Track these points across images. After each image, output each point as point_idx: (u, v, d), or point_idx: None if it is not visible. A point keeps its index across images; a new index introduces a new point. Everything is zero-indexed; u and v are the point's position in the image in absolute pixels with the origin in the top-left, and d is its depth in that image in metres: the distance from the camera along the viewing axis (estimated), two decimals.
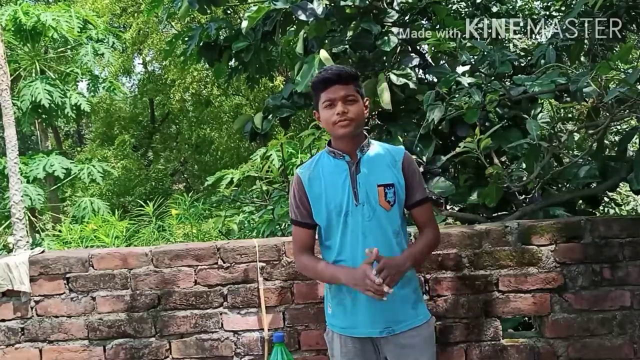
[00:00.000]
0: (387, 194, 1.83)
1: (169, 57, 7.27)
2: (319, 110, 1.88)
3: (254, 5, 4.18)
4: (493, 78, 3.39)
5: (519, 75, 3.49)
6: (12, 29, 7.54)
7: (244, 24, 3.90)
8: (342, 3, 3.76)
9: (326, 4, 3.77)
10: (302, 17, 3.74)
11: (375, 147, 1.91)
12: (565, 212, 3.16)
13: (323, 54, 3.60)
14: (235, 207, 4.44)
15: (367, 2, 3.73)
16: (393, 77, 3.66)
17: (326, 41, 3.93)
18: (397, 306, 1.83)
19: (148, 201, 6.45)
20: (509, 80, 3.58)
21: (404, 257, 1.82)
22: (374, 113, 3.95)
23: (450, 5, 4.36)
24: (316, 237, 1.95)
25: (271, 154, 4.09)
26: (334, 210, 1.84)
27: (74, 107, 8.12)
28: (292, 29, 4.28)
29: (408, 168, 1.89)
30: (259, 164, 3.96)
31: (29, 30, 7.68)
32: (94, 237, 5.46)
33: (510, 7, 5.02)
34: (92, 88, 8.73)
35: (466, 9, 4.71)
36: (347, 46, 3.87)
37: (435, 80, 3.83)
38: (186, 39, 4.88)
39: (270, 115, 4.20)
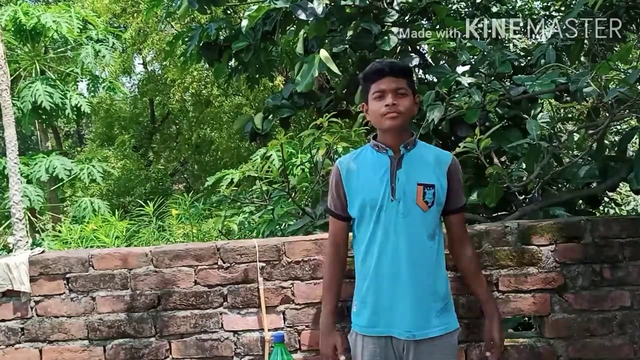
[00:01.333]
0: (425, 193, 1.80)
1: (170, 57, 7.28)
2: (367, 101, 1.85)
3: (253, 5, 4.18)
4: (493, 78, 3.39)
5: (519, 75, 3.49)
6: (12, 29, 7.54)
7: (244, 22, 3.90)
8: (343, 3, 3.76)
9: (326, 4, 3.77)
10: (302, 16, 3.74)
11: (422, 147, 1.89)
12: (565, 212, 3.16)
13: (323, 53, 3.60)
14: (235, 207, 4.44)
15: (367, 1, 3.73)
16: None
17: (326, 41, 3.93)
18: (421, 312, 1.81)
19: (148, 201, 6.46)
20: (508, 80, 3.58)
21: (493, 309, 1.98)
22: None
23: (450, 5, 4.36)
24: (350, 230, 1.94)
25: (271, 154, 4.09)
26: (369, 203, 1.81)
27: (75, 109, 8.13)
28: (292, 28, 4.29)
29: (454, 173, 1.87)
30: (259, 164, 3.96)
31: (29, 30, 7.68)
32: (94, 237, 5.46)
33: (510, 7, 5.02)
34: (92, 89, 8.74)
35: (466, 9, 4.71)
36: (347, 46, 3.87)
37: (435, 80, 3.83)
38: (186, 39, 4.88)
39: (271, 116, 4.20)
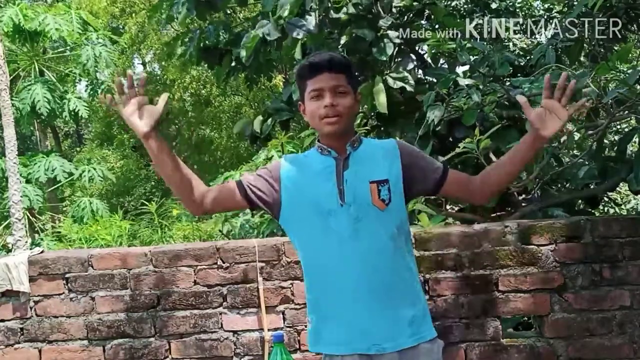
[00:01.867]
0: (380, 191, 1.59)
1: (170, 58, 7.29)
2: (304, 101, 1.65)
3: (254, 11, 4.19)
4: (492, 79, 3.39)
5: (519, 75, 3.50)
6: (11, 30, 7.53)
7: (242, 53, 3.92)
8: (334, 15, 3.76)
9: (319, 18, 3.78)
10: (297, 35, 3.75)
11: (367, 143, 1.69)
12: (564, 212, 3.16)
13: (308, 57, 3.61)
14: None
15: (360, 8, 3.73)
16: (390, 81, 3.67)
17: (322, 46, 3.94)
18: (389, 322, 1.58)
19: (148, 201, 6.46)
20: (508, 81, 3.59)
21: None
22: (372, 114, 3.96)
23: (449, 2, 4.36)
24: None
25: (272, 155, 4.09)
26: (314, 210, 1.60)
27: (73, 112, 8.13)
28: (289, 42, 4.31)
29: (407, 153, 1.66)
30: (260, 165, 3.96)
31: (28, 30, 7.67)
32: (96, 236, 5.45)
33: (510, 3, 5.02)
34: (92, 92, 8.75)
35: (465, 6, 4.71)
36: (342, 52, 3.89)
37: (435, 81, 3.84)
38: (185, 40, 4.90)
39: (270, 119, 4.21)
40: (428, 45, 3.64)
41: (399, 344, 1.58)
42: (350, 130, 1.67)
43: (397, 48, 3.91)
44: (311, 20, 3.70)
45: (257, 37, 3.73)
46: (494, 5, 4.62)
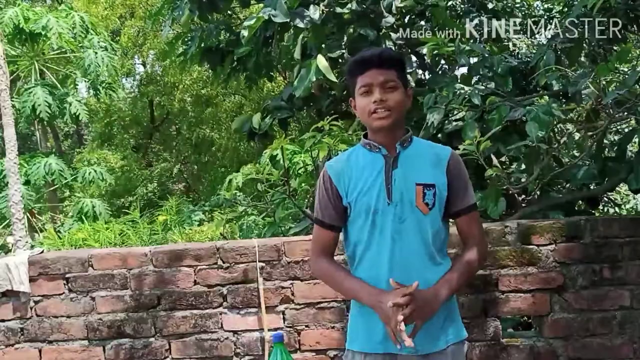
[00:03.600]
0: (425, 194, 1.60)
1: (170, 58, 7.27)
2: (355, 97, 1.65)
3: (255, 9, 4.20)
4: (491, 93, 3.39)
5: (518, 75, 3.50)
6: (12, 30, 7.52)
7: (243, 32, 3.90)
8: (339, 10, 3.77)
9: (323, 10, 3.79)
10: (300, 24, 3.75)
11: (419, 143, 1.69)
12: (563, 215, 3.16)
13: (321, 61, 3.62)
14: (237, 211, 4.44)
15: (364, 6, 3.74)
16: None
17: (324, 45, 3.94)
18: (423, 325, 1.58)
19: (149, 201, 6.44)
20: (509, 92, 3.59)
21: (438, 287, 1.57)
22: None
23: (446, 2, 4.36)
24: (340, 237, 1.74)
25: (277, 154, 4.09)
26: (363, 207, 1.62)
27: (73, 116, 8.14)
28: (291, 34, 4.31)
29: (454, 169, 1.65)
30: (262, 166, 3.96)
31: (29, 31, 7.66)
32: (83, 245, 5.39)
33: (508, 4, 5.01)
34: (95, 93, 8.75)
35: (462, 5, 4.71)
36: (344, 51, 3.89)
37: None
38: (186, 39, 4.91)
39: (269, 116, 4.22)
40: (428, 47, 3.64)
41: (430, 348, 1.62)
42: (401, 127, 1.67)
43: (397, 48, 3.92)
44: (315, 14, 3.69)
45: (262, 19, 3.71)
46: (490, 6, 4.62)
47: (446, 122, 3.21)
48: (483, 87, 3.34)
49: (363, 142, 1.69)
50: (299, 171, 3.91)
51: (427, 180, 1.62)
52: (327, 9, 3.83)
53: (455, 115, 3.18)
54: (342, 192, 1.66)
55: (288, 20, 3.72)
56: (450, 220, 1.73)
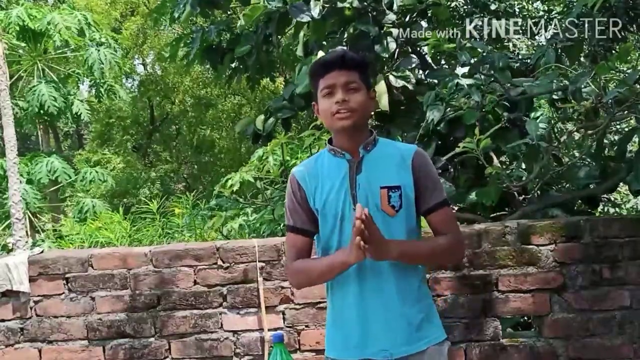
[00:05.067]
0: (391, 197, 1.58)
1: (173, 60, 7.26)
2: (317, 100, 1.64)
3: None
4: (492, 80, 3.39)
5: (519, 77, 3.49)
6: (16, 30, 7.54)
7: (241, 21, 3.89)
8: (340, 5, 3.76)
9: (324, 5, 3.78)
10: (300, 18, 3.74)
11: (383, 145, 1.66)
12: (563, 213, 3.16)
13: (321, 54, 3.61)
14: (236, 208, 4.44)
15: (365, 3, 3.74)
16: (392, 79, 3.67)
17: (325, 43, 3.94)
18: (397, 326, 1.59)
19: (152, 200, 6.45)
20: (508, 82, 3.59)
21: (397, 241, 1.56)
22: (372, 113, 3.95)
23: (448, 3, 4.36)
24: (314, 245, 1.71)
25: (268, 156, 4.10)
26: (330, 213, 1.61)
27: (75, 115, 8.16)
28: (291, 30, 4.31)
29: (419, 167, 1.62)
30: (259, 165, 3.97)
31: (32, 31, 7.68)
32: (97, 234, 5.44)
33: (509, 5, 5.02)
34: (97, 93, 8.78)
35: (464, 7, 4.71)
36: (345, 48, 3.88)
37: (436, 82, 3.84)
38: (188, 41, 4.91)
39: (272, 117, 4.21)
40: (428, 44, 3.64)
41: (407, 350, 1.59)
42: (364, 130, 1.65)
43: (399, 46, 3.91)
44: (315, 9, 3.68)
45: (260, 8, 3.70)
46: (493, 7, 4.62)
47: (446, 117, 3.21)
48: (483, 78, 3.33)
49: (328, 148, 1.67)
50: None
51: (392, 182, 1.60)
52: (327, 5, 3.82)
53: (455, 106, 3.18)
54: (309, 196, 1.65)
55: (281, 6, 3.71)
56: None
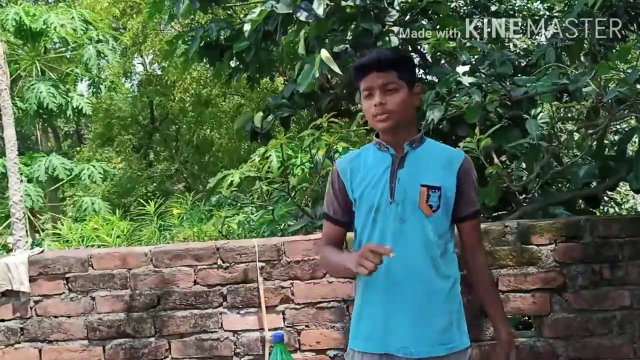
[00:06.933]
0: (430, 196, 1.59)
1: (170, 57, 7.26)
2: (362, 101, 1.69)
3: (255, 5, 4.18)
4: (493, 78, 3.39)
5: (520, 75, 3.49)
6: (13, 29, 7.54)
7: (246, 26, 3.88)
8: (343, 3, 3.76)
9: (327, 4, 3.77)
10: (303, 17, 3.73)
11: (431, 145, 1.70)
12: (565, 211, 3.16)
13: (324, 53, 3.60)
14: (236, 208, 4.44)
15: (368, 1, 3.73)
16: None
17: (327, 41, 3.93)
18: (420, 327, 1.60)
19: (149, 201, 6.46)
20: (509, 80, 3.59)
21: (502, 324, 1.76)
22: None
23: (449, 3, 4.36)
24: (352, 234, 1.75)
25: (270, 155, 4.09)
26: (366, 204, 1.64)
27: (76, 110, 8.14)
28: (293, 29, 4.29)
29: (465, 174, 1.65)
30: (258, 164, 3.96)
31: (30, 30, 7.68)
32: (94, 237, 5.45)
33: (510, 6, 5.03)
34: (95, 90, 8.76)
35: (465, 7, 4.71)
36: (347, 46, 3.87)
37: (436, 80, 3.84)
38: (187, 39, 4.90)
39: (271, 115, 4.20)
40: (428, 44, 3.64)
41: (428, 352, 1.61)
42: (408, 127, 1.67)
43: (400, 46, 3.91)
44: (320, 8, 3.67)
45: (265, 12, 3.69)
46: (493, 8, 4.63)
47: (446, 116, 3.21)
48: (485, 76, 3.33)
49: (374, 141, 1.72)
50: (297, 170, 3.91)
51: (434, 182, 1.62)
52: (331, 3, 3.81)
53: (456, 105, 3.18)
54: (348, 187, 1.70)
55: (290, 12, 3.70)
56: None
